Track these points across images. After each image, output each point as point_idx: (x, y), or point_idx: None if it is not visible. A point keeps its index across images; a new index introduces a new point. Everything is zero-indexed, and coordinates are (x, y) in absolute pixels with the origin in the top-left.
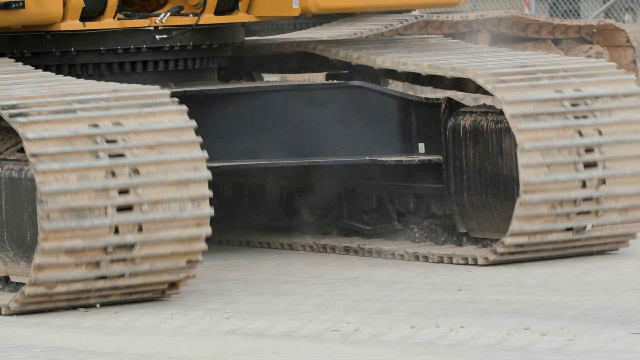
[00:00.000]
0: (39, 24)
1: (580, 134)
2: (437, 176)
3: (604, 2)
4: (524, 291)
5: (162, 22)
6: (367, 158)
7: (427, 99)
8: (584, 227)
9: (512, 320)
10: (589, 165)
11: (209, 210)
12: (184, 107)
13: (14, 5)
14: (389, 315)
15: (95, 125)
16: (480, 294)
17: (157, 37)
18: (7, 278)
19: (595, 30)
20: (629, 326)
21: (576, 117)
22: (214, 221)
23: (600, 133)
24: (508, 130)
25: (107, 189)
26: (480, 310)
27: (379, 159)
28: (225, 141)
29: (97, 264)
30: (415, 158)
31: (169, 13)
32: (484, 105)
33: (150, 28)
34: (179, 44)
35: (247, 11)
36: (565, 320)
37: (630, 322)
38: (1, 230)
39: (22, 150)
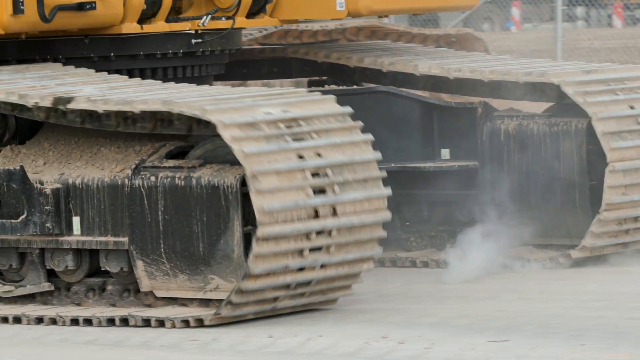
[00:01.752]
0: (105, 26)
1: None
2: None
3: (463, 12)
4: (382, 299)
5: (203, 25)
6: (393, 165)
7: (456, 103)
8: None
9: (370, 329)
10: None
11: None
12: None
13: (87, 7)
14: (247, 325)
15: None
16: (337, 304)
17: (193, 41)
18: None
19: (454, 39)
20: (486, 334)
21: None
22: None
23: None
24: (567, 133)
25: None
26: (338, 319)
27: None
28: None
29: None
30: (453, 163)
31: (209, 15)
32: (512, 109)
33: (191, 32)
34: (209, 49)
35: (271, 15)
36: (424, 329)
37: (487, 330)
38: (156, 243)
39: (172, 156)
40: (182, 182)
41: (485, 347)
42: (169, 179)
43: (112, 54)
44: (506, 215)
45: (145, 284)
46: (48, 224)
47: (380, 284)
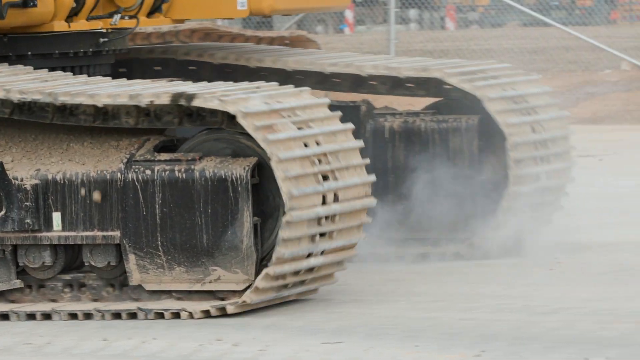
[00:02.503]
0: (40, 24)
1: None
2: None
3: (296, 14)
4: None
5: (115, 24)
6: None
7: (339, 102)
8: None
9: (205, 332)
10: None
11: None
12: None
13: (30, 4)
14: (80, 328)
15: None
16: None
17: (101, 40)
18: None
19: (287, 41)
20: (320, 336)
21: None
22: None
23: None
24: (457, 130)
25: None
26: (172, 322)
27: None
28: None
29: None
30: None
31: (119, 14)
32: (387, 107)
33: (103, 30)
34: (112, 49)
35: (166, 14)
36: (258, 331)
37: (321, 331)
38: (152, 236)
39: (160, 149)
40: (184, 175)
41: (320, 349)
42: (167, 172)
43: (29, 53)
44: (387, 213)
45: (135, 278)
46: (27, 220)
47: None
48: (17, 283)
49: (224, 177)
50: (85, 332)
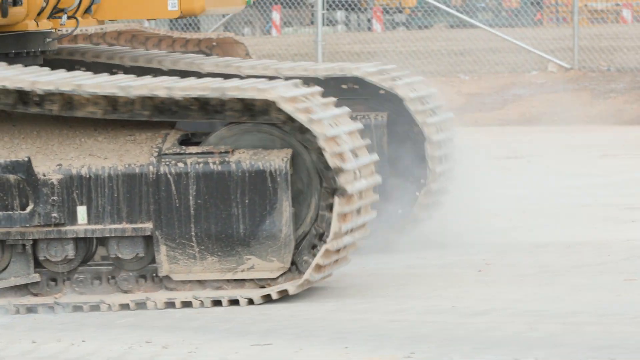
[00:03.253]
0: (15, 23)
1: None
2: None
3: (224, 16)
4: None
5: (62, 24)
6: None
7: None
8: None
9: (134, 334)
10: None
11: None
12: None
13: (19, 2)
14: (9, 331)
15: None
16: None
17: (46, 40)
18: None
19: (215, 43)
20: (248, 337)
21: None
22: None
23: None
24: (366, 127)
25: None
26: (102, 324)
27: None
28: None
29: None
30: None
31: (66, 14)
32: None
33: (52, 30)
34: (50, 49)
35: (95, 14)
36: (187, 333)
37: (249, 333)
38: (186, 227)
39: (189, 142)
40: (219, 167)
41: (249, 351)
42: (201, 164)
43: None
44: None
45: (165, 269)
46: (54, 214)
47: None
48: (36, 277)
49: (262, 168)
50: (14, 335)
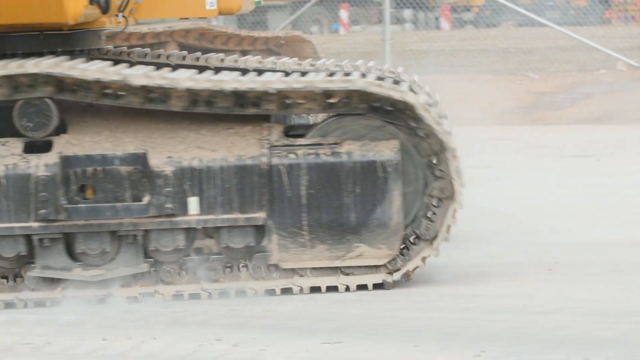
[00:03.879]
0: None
1: None
2: None
3: (291, 14)
4: (214, 302)
5: (120, 22)
6: None
7: None
8: None
9: (204, 331)
10: None
11: None
12: None
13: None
14: (80, 328)
15: None
16: (168, 306)
17: (102, 38)
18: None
19: (282, 41)
20: (319, 336)
21: None
22: None
23: None
24: None
25: None
26: (172, 322)
27: None
28: None
29: None
30: None
31: (121, 13)
32: None
33: (106, 29)
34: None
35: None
36: (257, 331)
37: (320, 331)
38: (298, 216)
39: (293, 135)
40: (331, 158)
41: (319, 349)
42: (313, 156)
43: (59, 49)
44: None
45: (275, 257)
46: (168, 205)
47: None
48: (145, 267)
49: (373, 158)
50: (84, 332)
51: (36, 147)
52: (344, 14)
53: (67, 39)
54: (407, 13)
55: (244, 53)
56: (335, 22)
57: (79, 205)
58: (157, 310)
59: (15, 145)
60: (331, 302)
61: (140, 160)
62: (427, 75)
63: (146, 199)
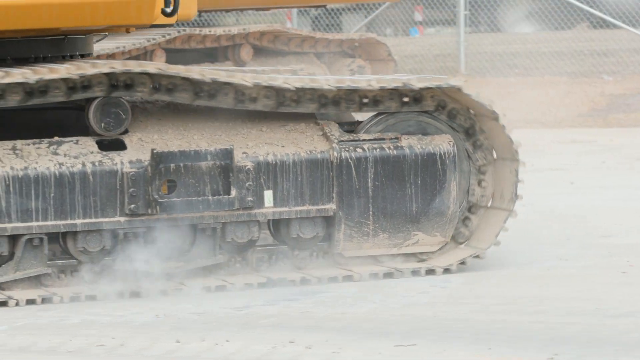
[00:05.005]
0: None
1: None
2: None
3: (366, 17)
4: (286, 303)
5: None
6: None
7: None
8: None
9: (277, 333)
10: None
11: None
12: None
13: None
14: (153, 329)
15: None
16: (245, 307)
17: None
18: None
19: (357, 44)
20: (392, 338)
21: None
22: None
23: None
24: None
25: None
26: (245, 323)
27: None
28: None
29: None
30: None
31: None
32: None
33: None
34: None
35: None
36: (330, 333)
37: (393, 333)
38: (365, 207)
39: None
40: (395, 152)
41: (392, 352)
42: (378, 150)
43: (90, 53)
44: None
45: (341, 246)
46: (249, 198)
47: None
48: (221, 259)
49: (432, 152)
50: (157, 334)
51: (105, 145)
52: (418, 16)
53: (85, 43)
54: (482, 15)
55: (317, 56)
56: (409, 24)
57: (173, 200)
58: (230, 312)
59: (89, 143)
60: (403, 304)
61: (228, 155)
62: (501, 78)
63: (233, 193)
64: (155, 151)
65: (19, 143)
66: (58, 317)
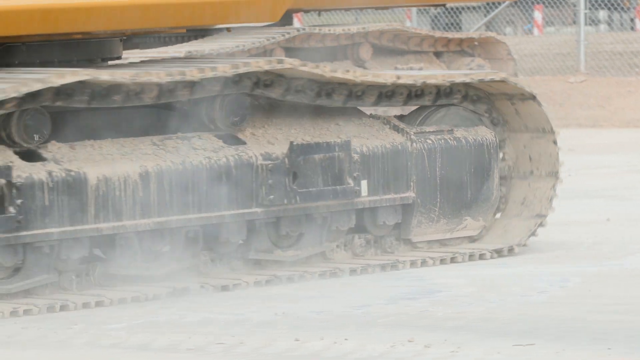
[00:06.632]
0: None
1: None
2: None
3: (485, 15)
4: (406, 302)
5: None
6: None
7: None
8: None
9: (396, 332)
10: None
11: None
12: None
13: None
14: (272, 328)
15: None
16: (364, 306)
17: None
18: None
19: (476, 43)
20: (510, 337)
21: None
22: None
23: None
24: None
25: None
26: (364, 322)
27: None
28: None
29: None
30: None
31: None
32: None
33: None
34: None
35: None
36: (449, 332)
37: (512, 333)
38: (434, 194)
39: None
40: (455, 143)
41: (511, 351)
42: (443, 141)
43: (106, 56)
44: None
45: (413, 232)
46: (357, 188)
47: (402, 287)
48: (330, 246)
49: (481, 142)
50: (276, 332)
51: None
52: (538, 14)
53: (113, 46)
54: (602, 14)
55: (437, 55)
56: (529, 23)
57: (311, 190)
58: (349, 310)
59: (212, 138)
60: (520, 304)
61: (348, 146)
62: (620, 77)
63: (351, 182)
64: (294, 143)
65: (154, 139)
66: (177, 315)
